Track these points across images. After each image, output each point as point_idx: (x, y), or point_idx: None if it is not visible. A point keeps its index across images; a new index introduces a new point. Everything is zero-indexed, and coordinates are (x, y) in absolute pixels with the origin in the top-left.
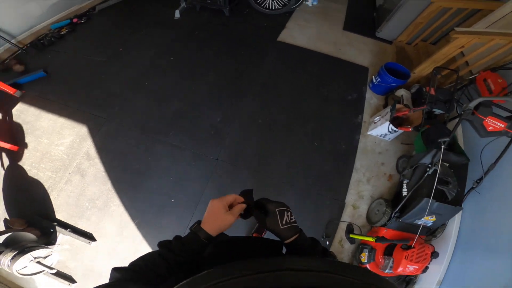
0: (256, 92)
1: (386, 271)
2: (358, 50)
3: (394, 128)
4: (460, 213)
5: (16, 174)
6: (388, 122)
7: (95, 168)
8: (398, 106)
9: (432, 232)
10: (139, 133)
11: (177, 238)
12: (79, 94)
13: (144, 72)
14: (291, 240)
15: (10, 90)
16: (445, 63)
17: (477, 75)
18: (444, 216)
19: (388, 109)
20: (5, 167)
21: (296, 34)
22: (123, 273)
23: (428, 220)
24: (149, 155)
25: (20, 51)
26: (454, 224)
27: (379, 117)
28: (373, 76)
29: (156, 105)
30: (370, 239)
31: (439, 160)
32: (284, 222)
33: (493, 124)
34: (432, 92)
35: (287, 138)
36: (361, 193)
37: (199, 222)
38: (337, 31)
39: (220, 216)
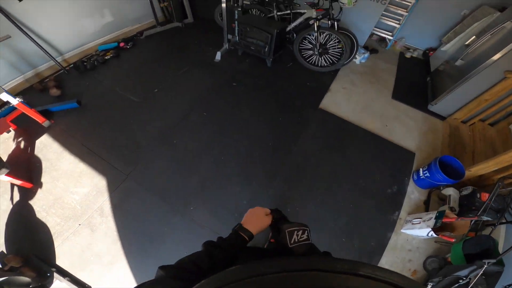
0: (288, 175)
1: None
2: (406, 128)
3: (435, 235)
4: None
5: (24, 212)
6: (428, 229)
7: (107, 225)
8: (448, 213)
9: None
10: (158, 198)
11: (221, 237)
12: (106, 138)
13: (174, 125)
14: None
15: (40, 119)
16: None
17: None
18: None
19: (432, 214)
20: (14, 202)
21: (340, 100)
22: (167, 271)
23: None
24: (165, 224)
25: (62, 71)
26: None
27: (419, 219)
28: (421, 168)
29: (181, 170)
30: None
31: (475, 276)
32: (292, 241)
33: None
34: (485, 199)
35: (314, 233)
36: None
37: (240, 224)
38: (385, 100)
39: (262, 218)
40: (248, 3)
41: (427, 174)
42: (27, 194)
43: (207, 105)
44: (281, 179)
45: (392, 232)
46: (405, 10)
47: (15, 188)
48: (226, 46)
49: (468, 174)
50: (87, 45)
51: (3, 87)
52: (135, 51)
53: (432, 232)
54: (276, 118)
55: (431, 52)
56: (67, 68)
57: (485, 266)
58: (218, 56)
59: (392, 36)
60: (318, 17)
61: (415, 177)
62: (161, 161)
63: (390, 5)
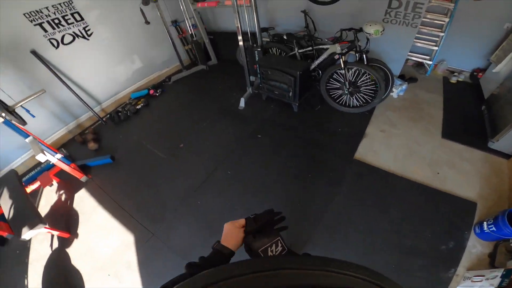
0: (319, 238)
1: None
2: (462, 174)
3: None
4: None
5: (60, 258)
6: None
7: (132, 278)
8: None
9: None
10: (180, 260)
11: (202, 257)
12: (135, 196)
13: (199, 185)
14: None
15: (78, 174)
16: None
17: None
18: None
19: (498, 272)
20: (53, 248)
21: (379, 147)
22: None
23: None
24: None
25: (99, 122)
26: None
27: (481, 277)
28: (485, 222)
29: (203, 231)
30: None
31: None
32: None
33: None
34: None
35: None
36: None
37: (219, 241)
38: (433, 140)
39: (232, 232)
40: (268, 40)
41: (493, 229)
42: (64, 242)
43: (231, 163)
44: (311, 245)
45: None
46: (440, 30)
47: (55, 236)
48: (249, 90)
49: None
50: (121, 93)
51: (48, 140)
52: (164, 98)
53: None
54: (305, 175)
55: (480, 74)
56: (104, 119)
57: None
58: (242, 103)
59: (430, 60)
60: (343, 51)
61: (477, 230)
62: (185, 221)
63: (423, 27)
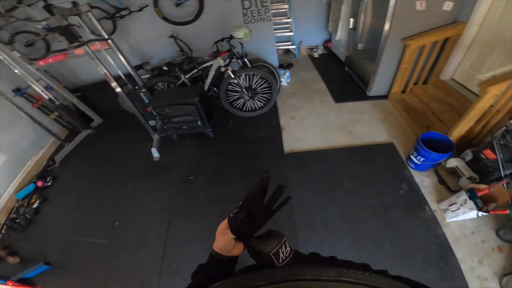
0: (305, 236)
1: None
2: (367, 124)
3: (484, 214)
4: None
5: None
6: (474, 211)
7: None
8: (476, 187)
9: None
10: None
11: (200, 264)
12: None
13: (162, 251)
14: None
15: None
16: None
17: None
18: None
19: (462, 195)
20: None
21: (298, 132)
22: None
23: None
24: None
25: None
26: None
27: (455, 205)
28: (411, 156)
29: None
30: None
31: None
32: (281, 260)
33: None
34: (493, 155)
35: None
36: (482, 275)
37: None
38: (332, 108)
39: (220, 235)
40: (149, 76)
41: (421, 158)
42: None
43: (180, 215)
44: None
45: (440, 227)
46: (287, 17)
47: None
48: (156, 137)
49: (453, 138)
50: (3, 198)
51: None
52: (60, 185)
53: (480, 211)
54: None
55: (330, 44)
56: (3, 231)
57: None
58: (155, 153)
59: (293, 44)
60: (227, 62)
61: (411, 165)
62: None
63: (275, 18)
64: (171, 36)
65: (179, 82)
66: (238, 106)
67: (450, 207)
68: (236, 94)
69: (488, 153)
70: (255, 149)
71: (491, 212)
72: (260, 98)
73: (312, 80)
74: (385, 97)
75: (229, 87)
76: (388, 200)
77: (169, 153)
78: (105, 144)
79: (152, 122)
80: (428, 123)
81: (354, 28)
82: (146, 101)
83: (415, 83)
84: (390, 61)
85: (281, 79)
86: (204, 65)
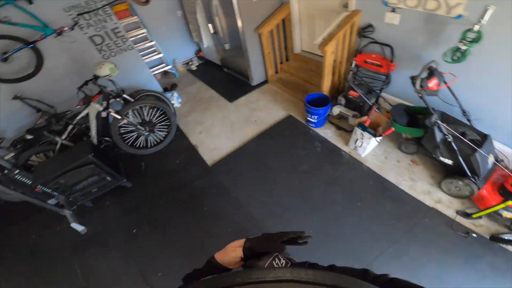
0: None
1: None
2: (263, 109)
3: (380, 138)
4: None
5: None
6: (372, 139)
7: None
8: (359, 120)
9: None
10: None
11: (196, 269)
12: None
13: None
14: None
15: None
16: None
17: (353, 62)
18: None
19: (358, 130)
20: None
21: (212, 142)
22: None
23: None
24: None
25: None
26: None
27: (360, 141)
28: (307, 118)
29: None
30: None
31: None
32: None
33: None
34: (355, 94)
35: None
36: (424, 190)
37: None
38: (230, 108)
39: (229, 249)
40: (14, 154)
41: (315, 117)
42: None
43: (148, 269)
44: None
45: (363, 163)
46: (149, 40)
47: None
48: (67, 213)
49: (326, 93)
50: None
51: None
52: None
53: (376, 138)
54: (203, 222)
55: (201, 53)
56: None
57: (437, 120)
58: (78, 227)
59: (167, 65)
60: (104, 105)
61: (312, 125)
62: None
63: (137, 45)
64: (15, 98)
65: (58, 146)
66: (142, 145)
67: (356, 144)
68: (133, 133)
69: (352, 93)
70: (180, 177)
71: (383, 135)
72: (160, 128)
73: (201, 91)
74: (266, 82)
75: (121, 130)
76: (313, 161)
77: (94, 221)
78: (14, 245)
79: (51, 201)
80: (305, 89)
81: (216, 32)
82: (29, 182)
83: (281, 63)
84: (255, 50)
85: (172, 102)
86: (78, 117)
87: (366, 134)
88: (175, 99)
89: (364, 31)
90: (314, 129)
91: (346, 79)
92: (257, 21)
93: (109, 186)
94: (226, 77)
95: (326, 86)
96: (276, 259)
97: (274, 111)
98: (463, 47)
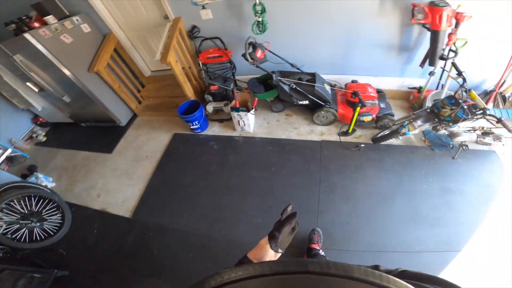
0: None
1: None
2: (149, 141)
3: (253, 110)
4: None
5: None
6: (248, 114)
7: None
8: (230, 105)
9: None
10: None
11: (227, 267)
12: None
13: None
14: None
15: None
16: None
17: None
18: None
19: (234, 114)
20: None
21: (117, 198)
22: None
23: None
24: None
25: None
26: None
27: (241, 121)
28: (190, 127)
29: None
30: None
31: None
32: None
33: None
34: (215, 87)
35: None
36: (308, 130)
37: (245, 255)
38: (114, 159)
39: (259, 247)
40: None
41: (195, 123)
42: None
43: None
44: None
45: (253, 138)
46: None
47: None
48: None
49: (193, 97)
50: None
51: None
52: None
53: (250, 112)
54: (154, 272)
55: (41, 119)
56: None
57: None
58: None
59: (6, 149)
60: None
61: (198, 131)
62: None
63: None
64: None
65: None
66: (44, 235)
67: (241, 125)
68: (23, 229)
69: (213, 87)
70: (110, 243)
71: (253, 106)
72: (50, 212)
73: (70, 158)
74: (135, 116)
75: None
76: (217, 159)
77: None
78: None
79: None
80: (174, 104)
81: (42, 89)
82: None
83: (139, 91)
84: (103, 91)
85: (45, 184)
86: None
87: (242, 113)
88: (45, 180)
89: (192, 33)
90: (202, 133)
91: (202, 78)
92: (85, 61)
93: (47, 283)
94: (89, 131)
95: (190, 92)
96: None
97: (159, 138)
98: (259, 19)
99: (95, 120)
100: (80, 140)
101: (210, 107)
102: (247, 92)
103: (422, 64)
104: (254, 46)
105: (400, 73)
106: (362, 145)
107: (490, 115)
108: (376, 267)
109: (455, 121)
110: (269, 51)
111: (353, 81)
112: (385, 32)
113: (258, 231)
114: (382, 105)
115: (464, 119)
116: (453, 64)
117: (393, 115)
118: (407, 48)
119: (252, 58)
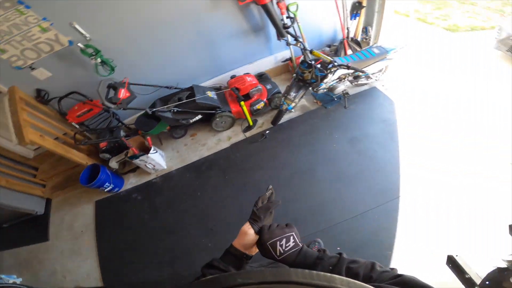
0: None
1: None
2: (75, 220)
3: (153, 148)
4: None
5: None
6: (150, 154)
7: None
8: (129, 153)
9: None
10: None
11: (215, 258)
12: None
13: None
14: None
15: None
16: None
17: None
18: None
19: (137, 162)
20: None
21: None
22: None
23: None
24: None
25: None
26: None
27: (148, 164)
28: (105, 191)
29: None
30: None
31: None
32: (278, 253)
33: None
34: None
35: None
36: (215, 141)
37: (231, 244)
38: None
39: (243, 232)
40: None
41: (107, 185)
42: None
43: None
44: None
45: (170, 172)
46: None
47: None
48: None
49: (87, 161)
50: None
51: None
52: None
53: (151, 151)
54: None
55: None
56: None
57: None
58: None
59: None
60: None
61: (115, 190)
62: None
63: None
64: None
65: None
66: None
67: (151, 167)
68: None
69: (102, 144)
70: None
71: (151, 145)
72: None
73: (17, 255)
74: (49, 200)
75: None
76: (146, 207)
77: None
78: None
79: None
80: (76, 174)
81: None
82: None
83: (35, 176)
84: None
85: (12, 281)
86: None
87: (143, 158)
88: (10, 279)
89: (42, 97)
90: (120, 190)
91: (80, 143)
92: None
93: None
94: (14, 229)
95: (82, 159)
96: (284, 239)
97: (83, 211)
98: (98, 61)
99: (13, 219)
100: (12, 239)
101: (113, 164)
102: (139, 134)
103: (278, 38)
104: (115, 87)
105: (269, 52)
106: (267, 132)
107: (339, 65)
108: (372, 266)
109: (319, 79)
110: (133, 84)
111: (232, 77)
112: (231, 21)
113: (213, 252)
114: (269, 86)
115: (325, 76)
116: (288, 32)
117: (280, 92)
118: (259, 28)
119: (114, 102)
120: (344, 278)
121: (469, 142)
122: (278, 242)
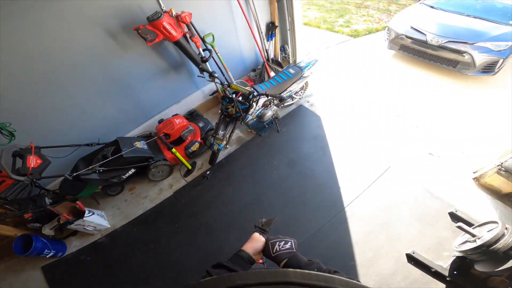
0: None
1: None
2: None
3: (86, 213)
4: None
5: None
6: (85, 219)
7: None
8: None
9: None
10: None
11: (220, 262)
12: None
13: None
14: (282, 264)
15: None
16: None
17: None
18: None
19: (77, 226)
20: None
21: None
22: None
23: None
24: None
25: None
26: None
27: (86, 227)
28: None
29: None
30: None
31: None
32: (274, 250)
33: None
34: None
35: None
36: (156, 192)
37: (240, 249)
38: None
39: (256, 239)
40: None
41: (47, 251)
42: None
43: None
44: None
45: (115, 232)
46: None
47: None
48: None
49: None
50: None
51: None
52: None
53: (85, 217)
54: None
55: None
56: None
57: None
58: None
59: None
60: None
61: (58, 255)
62: None
63: None
64: None
65: None
66: None
67: (92, 229)
68: None
69: (28, 215)
70: None
71: (84, 209)
72: None
73: None
74: None
75: None
76: (113, 265)
77: None
78: None
79: None
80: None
81: None
82: None
83: None
84: None
85: None
86: None
87: (79, 222)
88: None
89: None
90: (66, 254)
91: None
92: None
93: None
94: None
95: (8, 231)
96: (283, 242)
97: (31, 279)
98: None
99: None
100: None
101: (47, 231)
102: (67, 199)
103: (201, 73)
104: (21, 155)
105: (195, 87)
106: (208, 172)
107: (259, 94)
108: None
109: (244, 112)
110: (44, 147)
111: (159, 121)
112: (145, 62)
113: None
114: (201, 124)
115: (248, 107)
116: (202, 69)
117: (213, 129)
118: (179, 65)
119: (23, 174)
120: (343, 278)
121: (381, 145)
122: (277, 242)
